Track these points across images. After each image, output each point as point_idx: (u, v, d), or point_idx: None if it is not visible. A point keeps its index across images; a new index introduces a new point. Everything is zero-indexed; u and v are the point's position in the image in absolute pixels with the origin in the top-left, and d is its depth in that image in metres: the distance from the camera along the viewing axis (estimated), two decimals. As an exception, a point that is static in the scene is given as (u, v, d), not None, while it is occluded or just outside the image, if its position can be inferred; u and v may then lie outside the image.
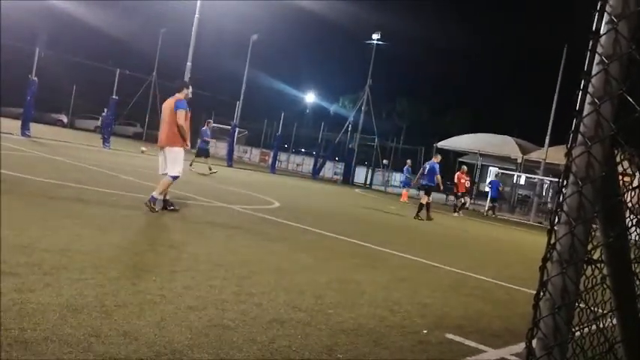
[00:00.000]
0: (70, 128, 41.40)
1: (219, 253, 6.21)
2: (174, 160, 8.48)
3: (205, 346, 3.35)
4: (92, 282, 4.19)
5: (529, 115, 42.34)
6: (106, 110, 35.00)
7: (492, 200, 26.64)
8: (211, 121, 22.52)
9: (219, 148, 42.24)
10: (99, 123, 35.97)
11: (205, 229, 7.87)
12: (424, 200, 16.44)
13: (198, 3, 27.71)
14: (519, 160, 33.98)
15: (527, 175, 32.53)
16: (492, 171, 30.03)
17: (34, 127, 23.72)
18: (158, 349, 3.17)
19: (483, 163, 37.85)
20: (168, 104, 8.67)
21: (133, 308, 3.78)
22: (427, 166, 16.89)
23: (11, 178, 9.14)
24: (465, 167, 21.74)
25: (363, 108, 40.40)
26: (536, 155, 32.43)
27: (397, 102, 58.28)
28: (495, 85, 53.18)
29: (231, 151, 30.89)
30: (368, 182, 38.46)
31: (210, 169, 19.50)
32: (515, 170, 34.40)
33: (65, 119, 44.63)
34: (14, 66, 24.01)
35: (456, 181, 21.09)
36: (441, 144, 37.54)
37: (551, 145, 29.98)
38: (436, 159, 16.96)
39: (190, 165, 19.28)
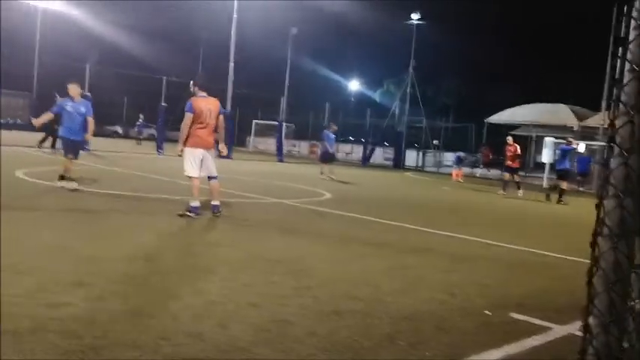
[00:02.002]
0: (125, 138, 42.68)
1: (274, 249, 6.31)
2: (213, 162, 8.33)
3: (268, 342, 3.43)
4: (157, 287, 4.35)
5: (581, 81, 40.79)
6: (141, 117, 36.09)
7: (581, 175, 26.55)
8: (333, 124, 20.53)
9: (268, 144, 42.74)
10: (135, 129, 37.09)
11: (259, 225, 7.99)
12: (564, 185, 16.41)
13: (236, 3, 27.99)
14: (575, 128, 32.86)
15: (588, 142, 31.44)
16: (548, 141, 29.04)
17: (93, 141, 24.57)
18: (223, 348, 3.27)
19: (538, 134, 36.78)
20: (214, 106, 8.29)
21: (197, 309, 3.90)
22: (559, 150, 16.71)
23: (78, 192, 9.54)
24: (510, 138, 19.39)
25: (408, 90, 39.97)
26: (593, 121, 31.26)
27: (443, 81, 57.27)
28: (543, 54, 51.44)
29: (280, 146, 31.14)
30: (419, 165, 38.07)
31: (330, 174, 18.23)
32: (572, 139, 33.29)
33: (120, 130, 46.09)
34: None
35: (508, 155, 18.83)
36: (492, 119, 36.70)
37: (608, 108, 28.87)
38: (569, 143, 17.04)
39: (321, 174, 18.29)
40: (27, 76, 41.15)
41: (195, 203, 7.91)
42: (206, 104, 8.16)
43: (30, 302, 3.73)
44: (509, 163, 18.43)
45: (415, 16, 38.50)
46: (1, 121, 32.44)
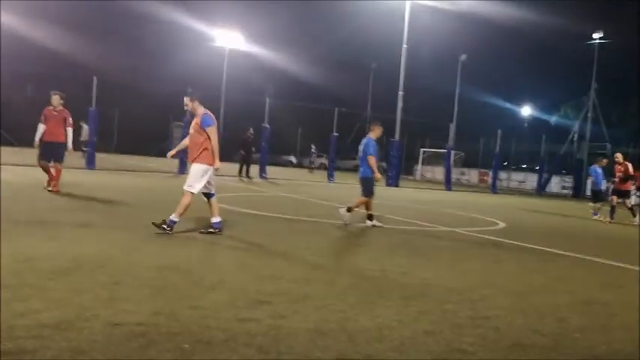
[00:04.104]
0: (298, 167, 44.94)
1: (448, 277, 6.16)
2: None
3: (446, 371, 3.35)
4: (334, 308, 4.47)
5: None
6: (313, 147, 37.61)
7: None
8: (603, 158, 17.72)
9: (436, 172, 42.24)
10: (311, 158, 38.47)
11: (432, 253, 7.86)
12: None
13: (405, 33, 28.34)
14: None
15: None
16: None
17: (270, 170, 26.30)
18: (401, 373, 3.25)
19: None
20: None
21: (373, 333, 3.94)
22: None
23: (257, 215, 10.25)
24: (619, 155, 16.37)
25: (589, 114, 37.23)
26: None
27: (629, 102, 52.28)
28: None
29: (448, 175, 30.59)
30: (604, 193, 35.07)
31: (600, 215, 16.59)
32: None
33: (294, 159, 48.74)
34: (254, 116, 27.65)
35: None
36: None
37: None
38: None
39: (595, 214, 16.64)
40: (215, 111, 45.35)
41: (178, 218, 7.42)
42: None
43: (221, 316, 4.05)
44: (617, 184, 16.08)
45: (597, 35, 35.92)
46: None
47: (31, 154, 12.38)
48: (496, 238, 9.84)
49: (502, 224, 12.53)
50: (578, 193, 34.94)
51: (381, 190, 23.98)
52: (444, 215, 13.99)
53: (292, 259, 6.56)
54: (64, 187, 11.80)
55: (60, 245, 6.11)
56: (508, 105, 59.26)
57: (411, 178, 41.84)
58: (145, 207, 10.62)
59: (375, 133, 10.22)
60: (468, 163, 49.70)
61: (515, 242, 9.52)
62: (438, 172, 40.89)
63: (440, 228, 10.98)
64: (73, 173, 15.66)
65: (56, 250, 5.79)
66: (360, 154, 10.25)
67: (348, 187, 22.82)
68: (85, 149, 23.90)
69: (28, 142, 12.11)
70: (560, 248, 9.08)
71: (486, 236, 10.07)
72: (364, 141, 10.22)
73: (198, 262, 5.98)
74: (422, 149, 45.69)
